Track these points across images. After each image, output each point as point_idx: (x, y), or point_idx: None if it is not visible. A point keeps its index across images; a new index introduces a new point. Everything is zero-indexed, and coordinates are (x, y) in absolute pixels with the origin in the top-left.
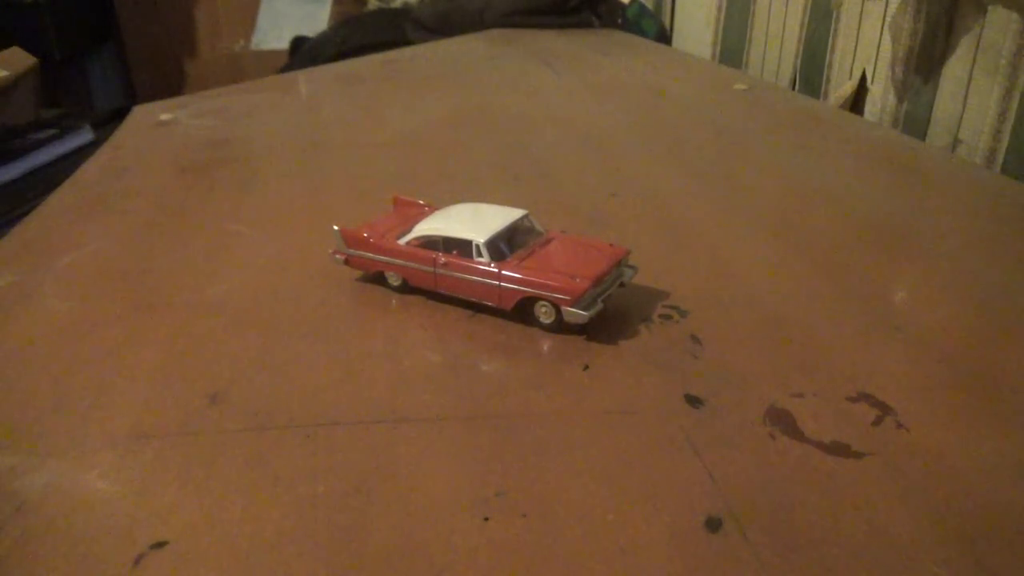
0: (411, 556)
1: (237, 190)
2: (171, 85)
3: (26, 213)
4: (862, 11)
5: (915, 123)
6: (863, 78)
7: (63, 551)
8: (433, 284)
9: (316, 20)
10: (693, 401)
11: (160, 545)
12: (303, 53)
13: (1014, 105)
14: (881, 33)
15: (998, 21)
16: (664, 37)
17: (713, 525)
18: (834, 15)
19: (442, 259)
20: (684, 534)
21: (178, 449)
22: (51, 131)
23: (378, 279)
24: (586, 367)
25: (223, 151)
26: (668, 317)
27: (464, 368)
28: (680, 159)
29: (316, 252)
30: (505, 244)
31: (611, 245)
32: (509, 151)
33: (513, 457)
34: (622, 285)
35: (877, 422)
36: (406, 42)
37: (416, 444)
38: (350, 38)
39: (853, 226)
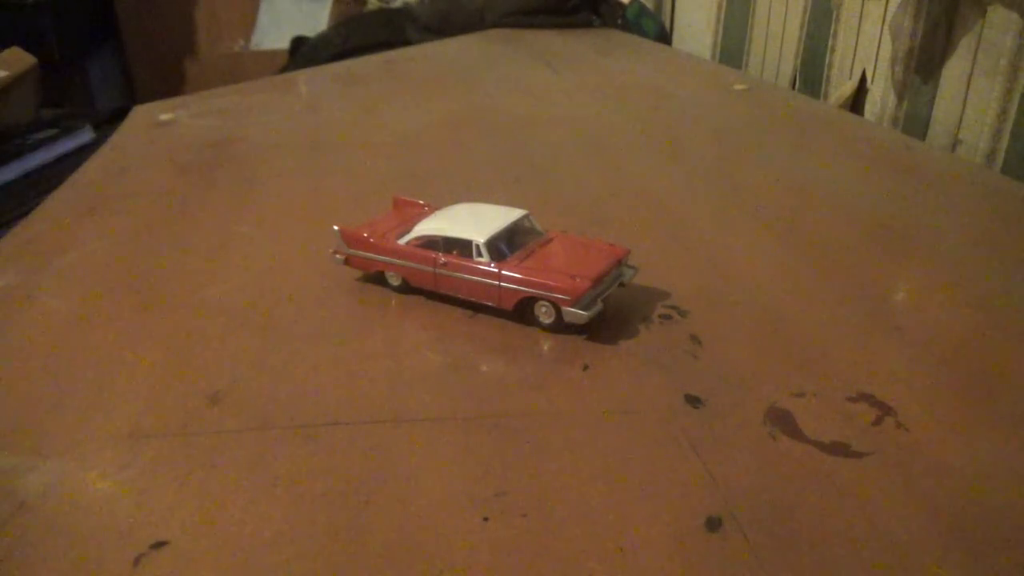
0: (411, 556)
1: (237, 190)
2: (171, 85)
3: (26, 213)
4: (862, 11)
5: (915, 123)
6: (863, 78)
7: (63, 551)
8: (433, 284)
9: (316, 20)
10: (693, 401)
11: (160, 545)
12: (303, 53)
13: (1014, 105)
14: (881, 33)
15: (998, 21)
16: (664, 37)
17: (713, 525)
18: (834, 15)
19: (442, 259)
20: (684, 534)
21: (178, 449)
22: (51, 131)
23: (378, 279)
24: (586, 367)
25: (223, 151)
26: (668, 317)
27: (464, 368)
28: (680, 159)
29: (316, 252)
30: (505, 244)
31: (611, 245)
32: (509, 151)
33: (513, 457)
34: (622, 285)
35: (877, 422)
36: (406, 42)
37: (416, 444)
38: (350, 38)
39: (853, 226)
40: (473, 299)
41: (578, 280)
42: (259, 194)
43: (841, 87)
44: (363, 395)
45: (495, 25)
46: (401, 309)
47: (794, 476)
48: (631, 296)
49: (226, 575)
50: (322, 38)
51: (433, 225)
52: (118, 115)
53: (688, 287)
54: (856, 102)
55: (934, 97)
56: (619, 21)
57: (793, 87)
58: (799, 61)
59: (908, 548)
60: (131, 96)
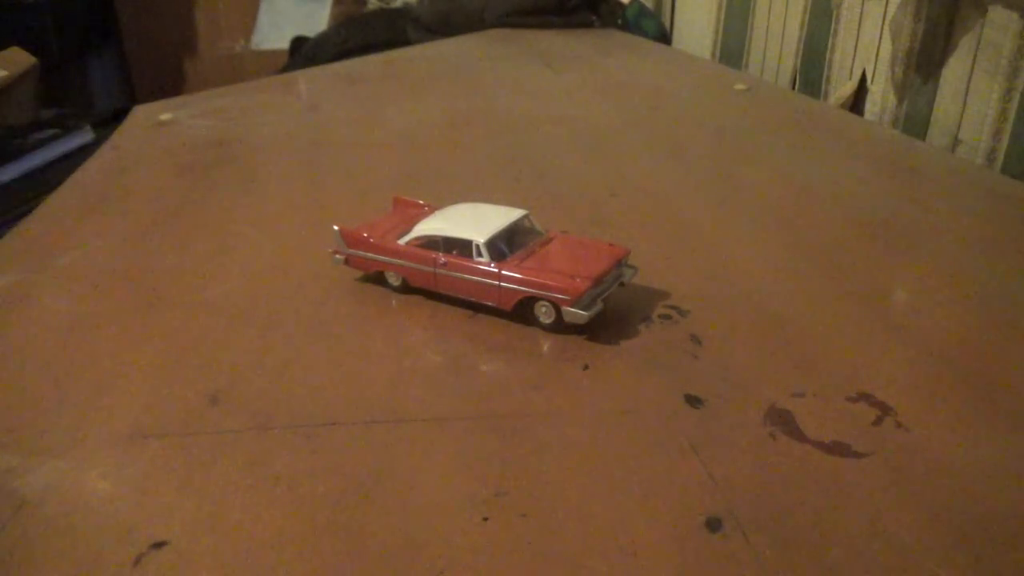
0: (411, 556)
1: (237, 190)
2: (171, 85)
3: (26, 213)
4: (862, 11)
5: (915, 123)
6: (863, 78)
7: (63, 551)
8: (433, 284)
9: (316, 20)
10: (693, 401)
11: (160, 545)
12: (303, 53)
13: (1014, 105)
14: (881, 33)
15: (998, 21)
16: (664, 37)
17: (713, 525)
18: (834, 15)
19: (442, 259)
20: (684, 534)
21: (178, 449)
22: (51, 131)
23: (378, 279)
24: (586, 367)
25: (223, 151)
26: (668, 317)
27: (464, 368)
28: (680, 159)
29: (316, 252)
30: (505, 244)
31: (611, 245)
32: (509, 151)
33: (513, 457)
34: (622, 285)
35: (877, 422)
36: (406, 42)
37: (416, 444)
38: (350, 38)
39: (853, 226)
40: (473, 299)
41: (578, 280)
42: (259, 194)
43: (841, 87)
44: (363, 395)
45: (495, 25)
46: (401, 309)
47: (794, 476)
48: (631, 296)
49: (226, 575)
50: (322, 38)
51: (433, 225)
52: (118, 115)
53: (688, 287)
54: (856, 102)
55: (934, 97)
56: (619, 21)
57: (793, 87)
58: (799, 61)
59: (908, 548)
60: (131, 96)
